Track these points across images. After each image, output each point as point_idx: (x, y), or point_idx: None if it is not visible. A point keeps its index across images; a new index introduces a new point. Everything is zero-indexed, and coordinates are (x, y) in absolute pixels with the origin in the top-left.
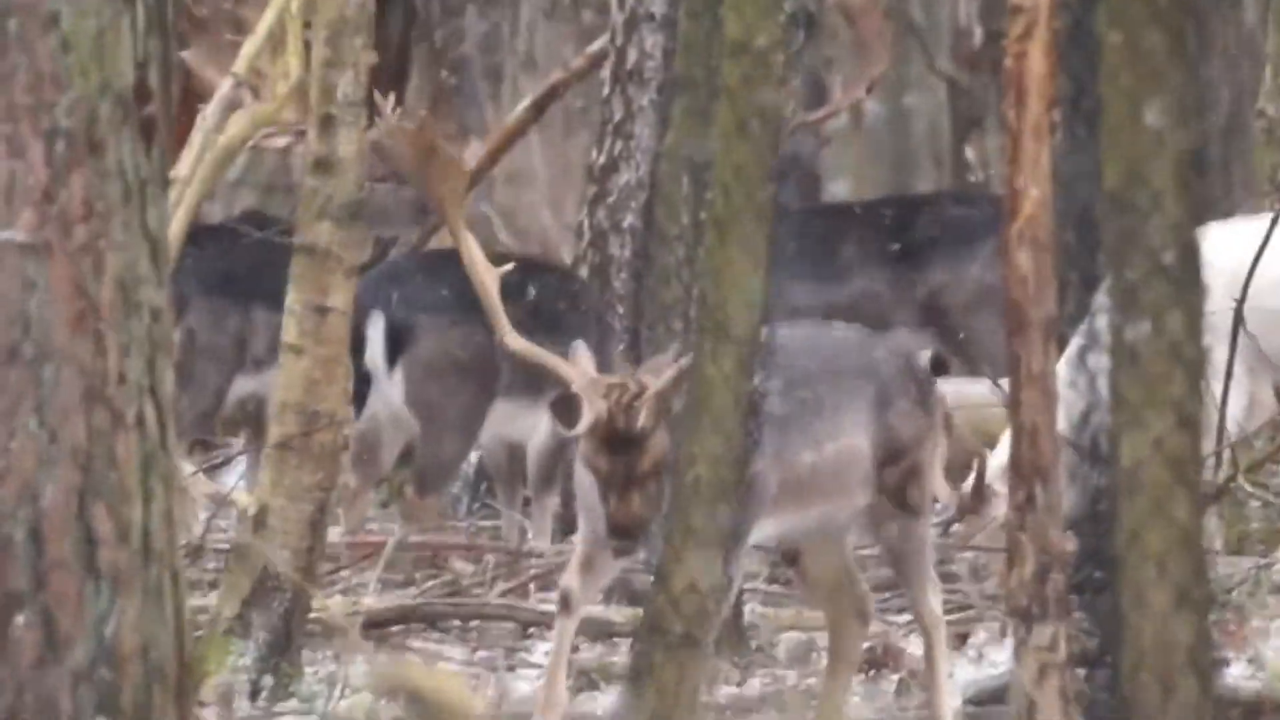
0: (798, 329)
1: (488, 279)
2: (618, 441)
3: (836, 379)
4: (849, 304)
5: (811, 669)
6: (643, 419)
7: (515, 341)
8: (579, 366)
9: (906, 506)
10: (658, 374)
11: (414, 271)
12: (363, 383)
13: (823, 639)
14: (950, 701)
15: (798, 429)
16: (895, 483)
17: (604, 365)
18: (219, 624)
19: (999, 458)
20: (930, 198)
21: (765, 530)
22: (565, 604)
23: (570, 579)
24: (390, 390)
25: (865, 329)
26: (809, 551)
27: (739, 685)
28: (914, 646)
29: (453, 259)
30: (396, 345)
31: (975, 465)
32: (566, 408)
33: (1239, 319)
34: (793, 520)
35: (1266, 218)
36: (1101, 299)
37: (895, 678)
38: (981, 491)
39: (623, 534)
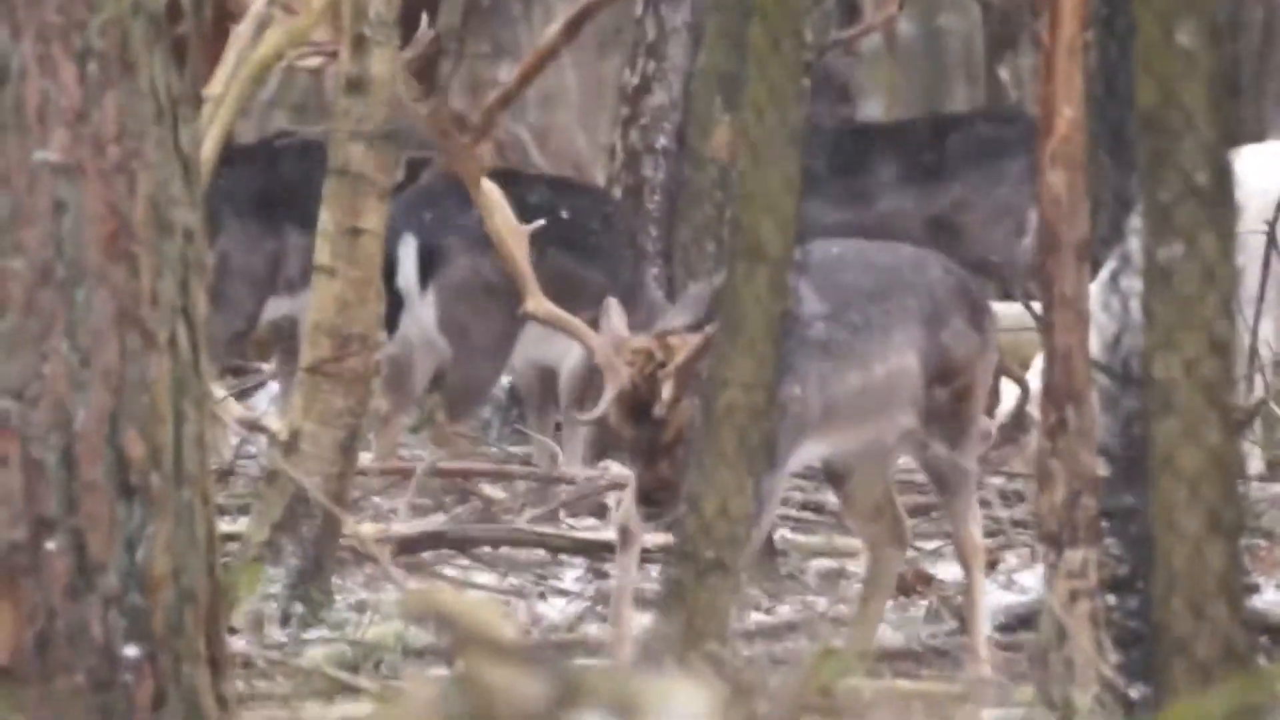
0: (849, 247)
1: (515, 244)
2: (643, 411)
3: (887, 297)
4: (877, 223)
5: (841, 595)
6: (668, 392)
7: (540, 307)
8: (605, 334)
9: (956, 429)
10: (683, 328)
11: (446, 194)
12: (395, 306)
13: (853, 565)
14: (985, 630)
15: (845, 350)
16: (945, 404)
17: (638, 286)
18: (249, 550)
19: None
20: (961, 117)
21: (813, 451)
22: (624, 539)
23: (626, 515)
24: (422, 313)
25: (919, 248)
26: (854, 474)
27: (769, 611)
28: (943, 572)
29: (489, 179)
30: (429, 268)
31: (1019, 390)
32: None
33: (1272, 241)
34: (839, 441)
35: None
36: (1136, 221)
37: (924, 603)
38: (1023, 418)
39: (651, 501)
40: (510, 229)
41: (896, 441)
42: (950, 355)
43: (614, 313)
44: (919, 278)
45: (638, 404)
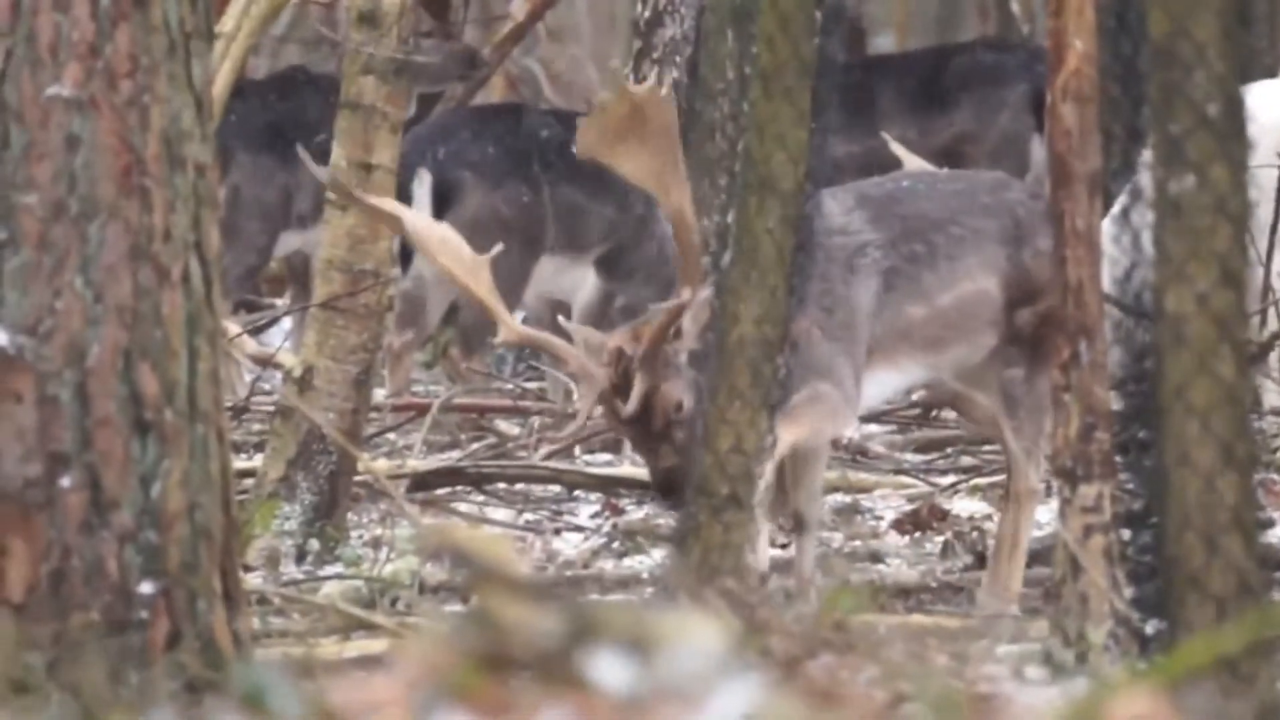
0: (920, 178)
1: (472, 279)
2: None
3: (958, 223)
4: (884, 152)
5: (855, 530)
6: (637, 385)
7: (513, 333)
8: (578, 345)
9: (1038, 354)
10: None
11: (460, 128)
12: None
13: (866, 500)
14: (1019, 574)
15: (905, 279)
16: (1027, 327)
17: (648, 220)
18: (264, 486)
19: None
20: (963, 46)
21: (892, 381)
22: (798, 525)
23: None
24: None
25: (1000, 174)
26: (966, 397)
27: (784, 547)
28: (959, 508)
29: (499, 115)
30: (443, 203)
31: None
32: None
33: None
34: (916, 369)
35: None
36: (1147, 154)
37: (940, 539)
38: None
39: (666, 491)
40: (462, 264)
41: (988, 360)
42: (1033, 277)
43: (582, 332)
44: (997, 200)
45: (620, 403)
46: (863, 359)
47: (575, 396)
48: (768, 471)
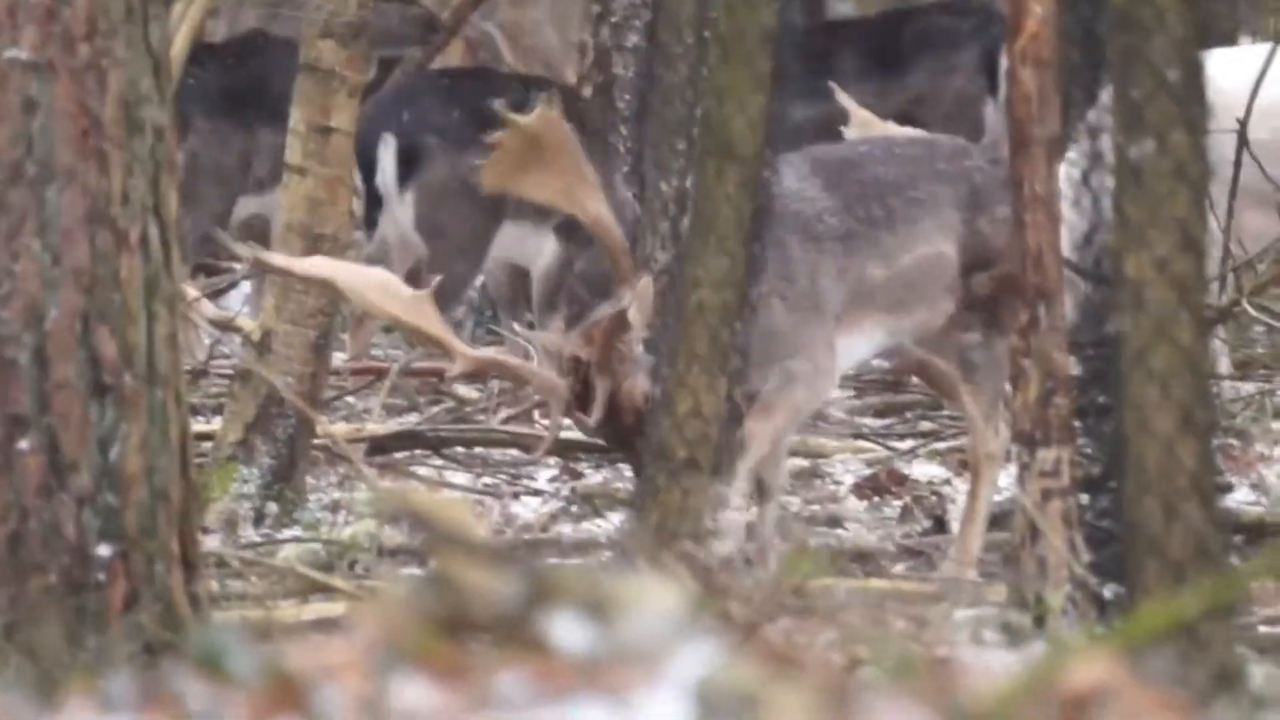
0: (876, 143)
1: (417, 317)
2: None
3: (914, 187)
4: (841, 116)
5: (815, 494)
6: (599, 392)
7: (468, 361)
8: (537, 353)
9: (994, 319)
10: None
11: (424, 92)
12: (373, 205)
13: (826, 465)
14: (978, 541)
15: (863, 242)
16: (983, 292)
17: (607, 186)
18: (222, 450)
19: None
20: (920, 9)
21: (856, 347)
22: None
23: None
24: (400, 213)
25: (960, 140)
26: (929, 365)
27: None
28: (917, 472)
29: (464, 79)
30: (407, 168)
31: None
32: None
33: (1243, 140)
34: (878, 334)
35: (1268, 46)
36: (1093, 117)
37: (899, 504)
38: None
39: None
40: (405, 304)
41: (946, 327)
42: (989, 242)
43: (542, 342)
44: (954, 166)
45: (587, 411)
46: (831, 324)
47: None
48: (744, 471)
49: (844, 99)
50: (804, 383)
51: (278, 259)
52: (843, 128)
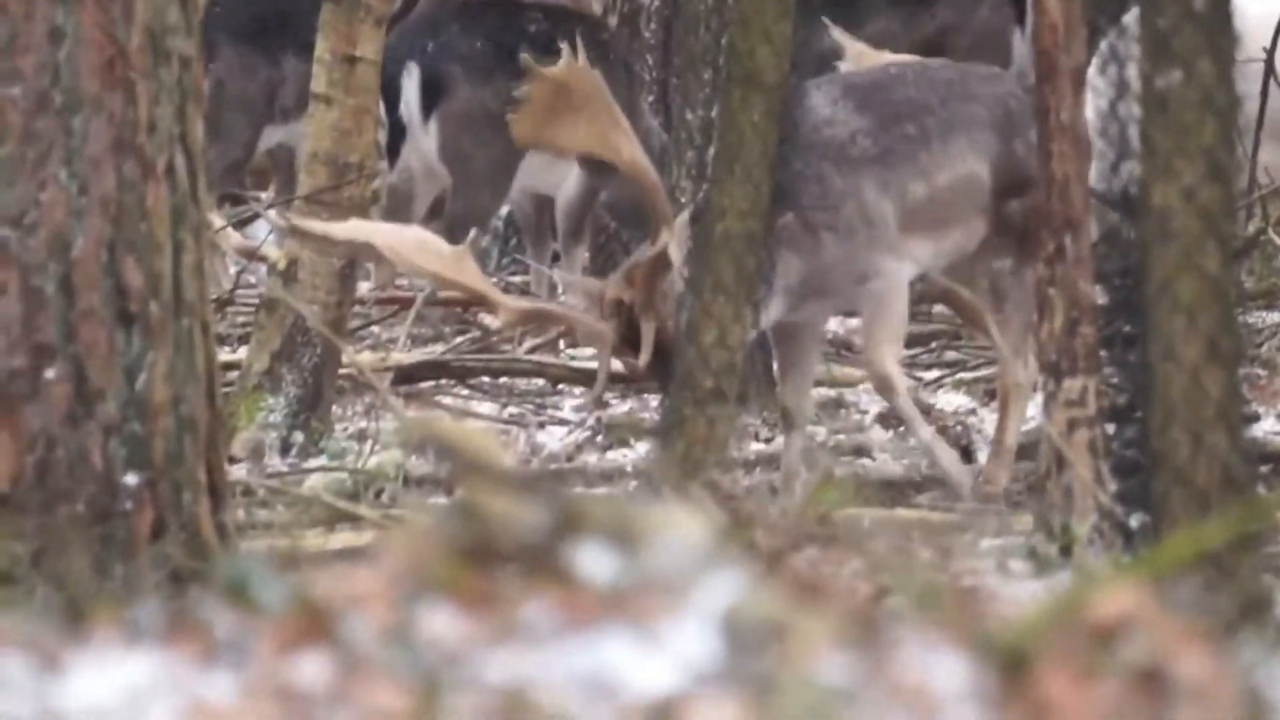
0: (908, 65)
1: (460, 272)
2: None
3: (948, 108)
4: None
5: (840, 425)
6: (645, 333)
7: (512, 312)
8: (580, 305)
9: (1026, 246)
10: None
11: (449, 22)
12: (397, 134)
13: (850, 394)
14: (1007, 470)
15: (902, 160)
16: (1015, 218)
17: (634, 114)
18: (249, 379)
19: None
20: None
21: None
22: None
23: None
24: (424, 142)
25: (995, 68)
26: (947, 293)
27: (767, 441)
28: (943, 402)
29: (487, 9)
30: (431, 97)
31: None
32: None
33: (1270, 69)
34: (921, 255)
35: None
36: (1115, 44)
37: None
38: None
39: None
40: (445, 261)
41: (977, 254)
42: (1023, 167)
43: (580, 288)
44: (989, 90)
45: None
46: (891, 234)
47: (559, 289)
48: (907, 405)
49: (838, 33)
50: (893, 299)
51: (315, 226)
52: (837, 62)
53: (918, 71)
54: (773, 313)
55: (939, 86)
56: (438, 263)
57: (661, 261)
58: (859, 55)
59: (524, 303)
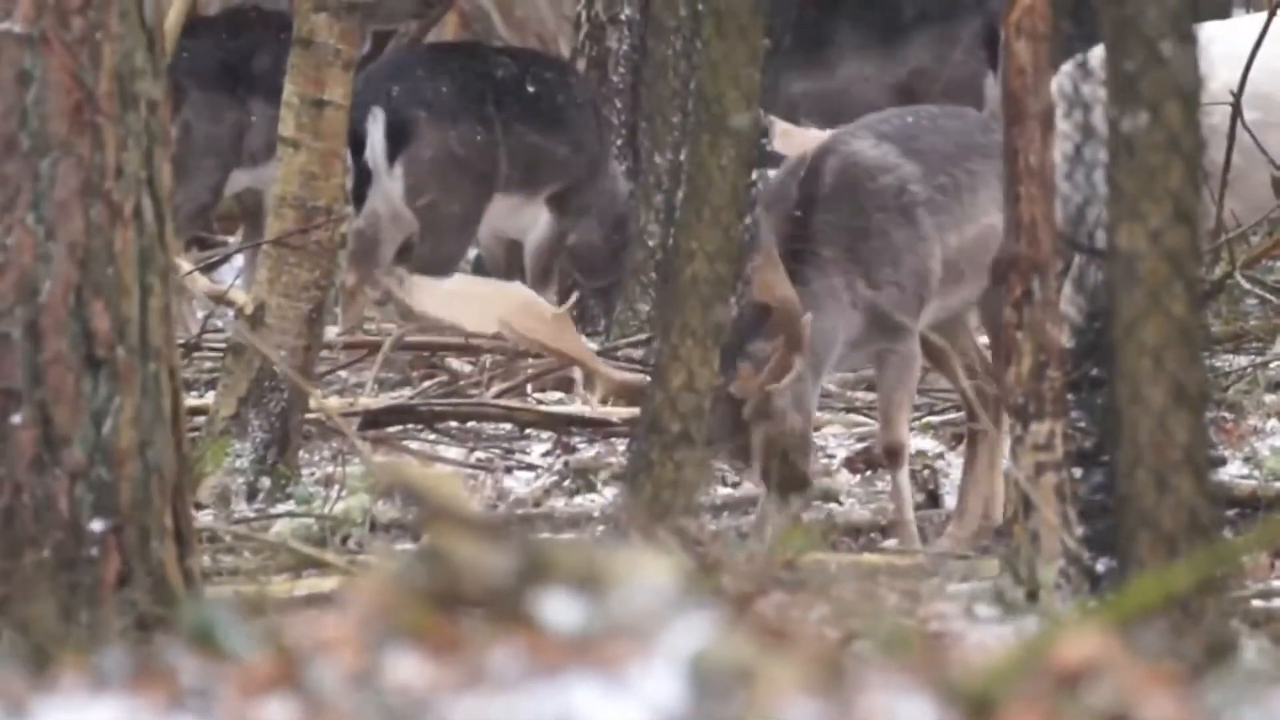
0: (919, 113)
1: (560, 337)
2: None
3: (967, 159)
4: (840, 90)
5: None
6: (757, 441)
7: (613, 385)
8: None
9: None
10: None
11: (415, 66)
12: (363, 179)
13: (818, 438)
14: (973, 521)
15: (942, 210)
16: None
17: (602, 159)
18: (216, 424)
19: None
20: None
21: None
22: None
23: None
24: (390, 187)
25: (977, 114)
26: (945, 343)
27: (735, 486)
28: (912, 446)
29: (454, 53)
30: (397, 142)
31: None
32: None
33: (1237, 112)
34: (942, 304)
35: (1263, 16)
36: (1080, 85)
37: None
38: None
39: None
40: (547, 325)
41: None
42: None
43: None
44: (988, 139)
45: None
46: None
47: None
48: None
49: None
50: (914, 365)
51: (428, 303)
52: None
53: (932, 119)
54: (829, 365)
55: (956, 136)
56: (541, 327)
57: (785, 365)
58: (784, 134)
59: (626, 375)
